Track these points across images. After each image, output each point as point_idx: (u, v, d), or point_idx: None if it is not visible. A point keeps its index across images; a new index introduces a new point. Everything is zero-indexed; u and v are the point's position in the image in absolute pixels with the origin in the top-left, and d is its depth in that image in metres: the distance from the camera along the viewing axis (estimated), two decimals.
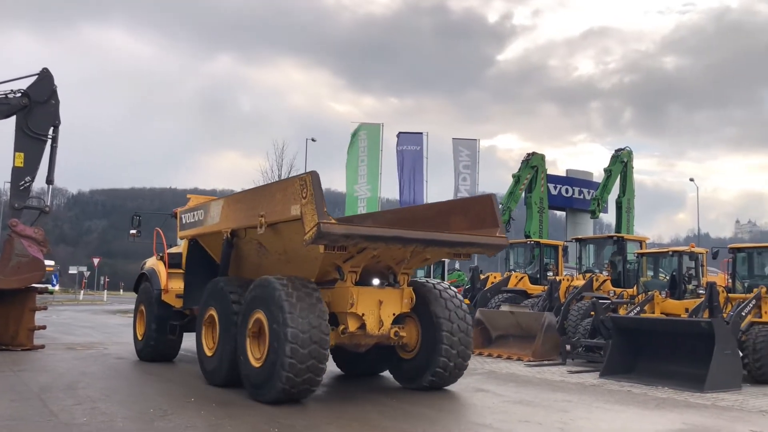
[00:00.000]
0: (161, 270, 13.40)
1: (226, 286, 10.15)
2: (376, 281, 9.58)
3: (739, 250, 16.23)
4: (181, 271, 13.40)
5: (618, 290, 18.79)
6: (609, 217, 38.66)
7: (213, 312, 10.35)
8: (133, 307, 14.47)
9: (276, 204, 9.03)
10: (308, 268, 9.44)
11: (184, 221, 12.05)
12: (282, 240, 9.45)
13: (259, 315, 8.99)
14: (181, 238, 12.49)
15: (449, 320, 9.84)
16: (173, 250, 14.01)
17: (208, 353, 10.40)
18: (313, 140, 42.88)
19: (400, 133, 38.27)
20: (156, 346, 13.14)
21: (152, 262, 13.85)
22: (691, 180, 76.41)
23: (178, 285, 13.22)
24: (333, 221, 8.23)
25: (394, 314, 9.69)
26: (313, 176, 8.34)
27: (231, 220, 10.32)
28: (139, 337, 13.70)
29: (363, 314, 9.37)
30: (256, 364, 8.97)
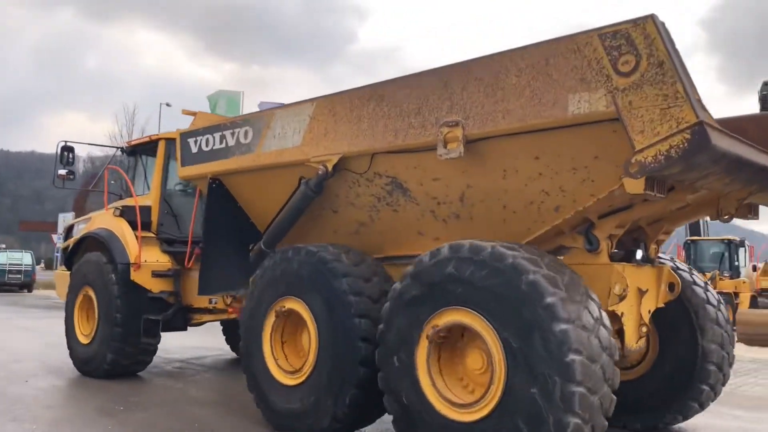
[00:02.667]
0: (127, 233, 8.00)
1: (335, 262, 5.29)
2: (639, 254, 5.16)
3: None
4: (152, 234, 8.16)
5: None
6: None
7: (298, 307, 5.47)
8: None
9: (506, 96, 4.32)
10: (517, 229, 4.85)
11: (194, 149, 6.80)
12: (470, 172, 4.77)
13: (471, 322, 4.29)
14: (187, 179, 7.21)
15: (721, 327, 5.67)
16: (127, 202, 8.60)
17: (287, 380, 5.51)
18: (167, 105, 37.99)
19: (261, 102, 35.11)
20: (119, 355, 7.79)
21: (106, 221, 8.37)
22: None
23: (154, 256, 7.94)
24: (713, 120, 3.70)
25: (650, 311, 5.31)
26: (658, 23, 3.75)
27: (339, 140, 5.40)
28: (84, 340, 8.24)
29: (622, 314, 4.90)
30: (463, 416, 4.27)
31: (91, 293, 8.15)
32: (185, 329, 8.12)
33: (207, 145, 6.64)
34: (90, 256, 8.30)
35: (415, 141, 4.84)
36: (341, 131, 5.38)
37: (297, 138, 5.72)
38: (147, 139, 8.72)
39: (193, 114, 7.46)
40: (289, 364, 5.67)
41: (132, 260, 7.79)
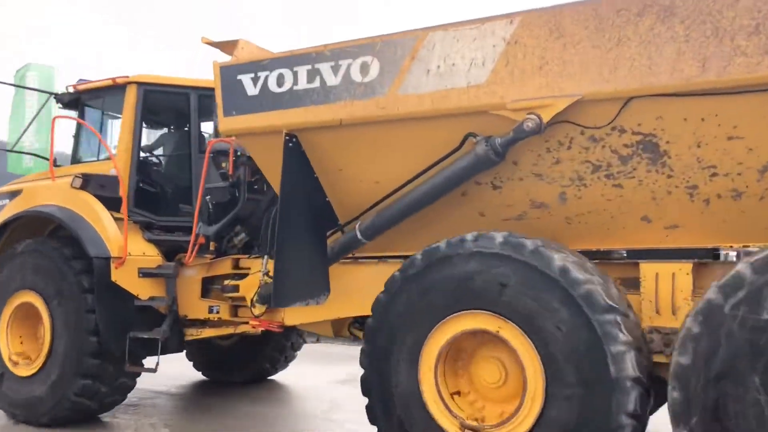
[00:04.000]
0: (102, 214, 5.40)
1: (570, 263, 3.44)
2: None
3: None
4: (121, 216, 5.69)
5: None
6: None
7: (497, 329, 3.50)
8: None
9: None
10: None
11: (252, 90, 4.48)
12: None
13: None
14: (233, 134, 4.80)
15: None
16: (92, 167, 5.98)
17: None
18: None
19: (80, 80, 31.00)
20: (91, 393, 5.23)
21: (58, 194, 5.66)
22: None
23: (138, 248, 5.47)
24: None
25: None
26: None
27: (572, 75, 3.53)
28: (21, 372, 5.51)
29: None
30: None
31: (37, 302, 5.43)
32: (182, 350, 5.67)
33: (281, 85, 4.35)
34: (34, 246, 5.53)
35: (746, 75, 3.08)
36: (578, 62, 3.47)
37: (479, 73, 3.70)
38: (110, 81, 6.05)
39: (222, 46, 5.02)
40: (460, 408, 3.68)
41: (115, 253, 5.21)
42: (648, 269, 3.78)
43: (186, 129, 6.16)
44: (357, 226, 4.48)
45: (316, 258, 4.53)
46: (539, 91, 3.55)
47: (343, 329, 5.46)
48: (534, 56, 3.57)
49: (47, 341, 5.30)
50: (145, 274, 5.35)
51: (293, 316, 5.29)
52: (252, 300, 5.30)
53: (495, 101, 3.67)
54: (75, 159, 6.34)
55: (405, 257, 4.76)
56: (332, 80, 4.17)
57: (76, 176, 5.53)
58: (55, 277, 5.30)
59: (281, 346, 7.12)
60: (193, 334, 5.74)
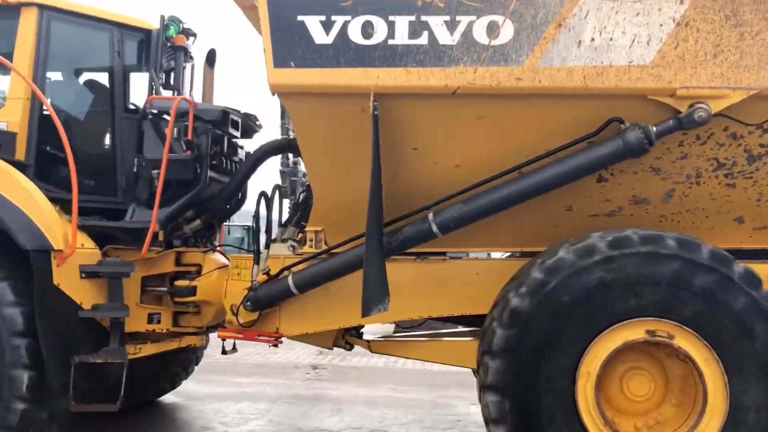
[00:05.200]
0: (34, 191, 3.72)
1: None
2: None
3: None
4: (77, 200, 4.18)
5: None
6: None
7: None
8: None
9: None
10: None
11: (321, 38, 3.45)
12: None
13: None
14: (285, 92, 3.58)
15: None
16: None
17: None
18: None
19: None
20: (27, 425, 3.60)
21: None
22: None
23: (80, 239, 3.95)
24: None
25: None
26: None
27: (752, 67, 3.32)
28: None
29: None
30: None
31: None
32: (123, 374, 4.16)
33: (368, 36, 3.40)
34: None
35: None
36: (756, 54, 3.27)
37: (644, 52, 3.30)
38: None
39: None
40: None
41: (58, 245, 3.60)
42: None
43: (105, 79, 4.58)
44: (430, 217, 3.70)
45: (382, 255, 3.64)
46: (713, 81, 3.27)
47: (338, 338, 4.56)
48: (708, 42, 3.28)
49: None
50: (88, 273, 3.80)
51: (292, 325, 4.23)
52: (239, 305, 4.13)
53: (661, 86, 3.29)
54: None
55: (444, 254, 4.15)
56: (446, 38, 3.37)
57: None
58: None
59: (186, 359, 5.70)
60: (131, 352, 4.27)
